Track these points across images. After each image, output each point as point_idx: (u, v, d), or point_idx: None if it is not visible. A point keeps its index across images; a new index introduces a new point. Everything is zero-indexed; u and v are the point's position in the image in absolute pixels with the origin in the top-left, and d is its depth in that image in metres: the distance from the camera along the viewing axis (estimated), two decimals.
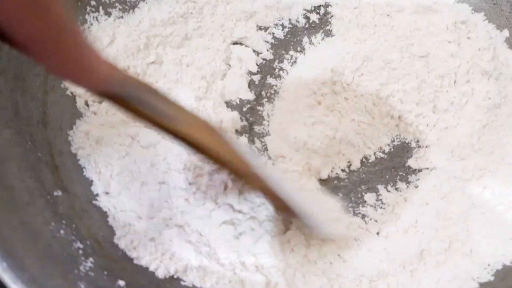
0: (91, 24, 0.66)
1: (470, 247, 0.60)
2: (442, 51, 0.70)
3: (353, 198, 0.66)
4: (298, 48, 0.74)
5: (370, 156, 0.68)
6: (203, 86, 0.68)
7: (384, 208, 0.65)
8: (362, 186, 0.66)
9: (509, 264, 0.59)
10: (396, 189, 0.66)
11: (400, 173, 0.67)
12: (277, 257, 0.57)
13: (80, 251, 0.52)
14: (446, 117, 0.69)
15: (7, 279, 0.44)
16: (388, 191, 0.66)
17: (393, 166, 0.68)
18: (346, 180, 0.67)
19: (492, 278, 0.58)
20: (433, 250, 0.60)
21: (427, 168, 0.67)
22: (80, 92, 0.63)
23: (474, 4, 0.72)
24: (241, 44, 0.73)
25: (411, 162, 0.68)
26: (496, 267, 0.59)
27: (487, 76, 0.68)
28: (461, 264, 0.59)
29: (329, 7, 0.75)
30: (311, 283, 0.57)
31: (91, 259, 0.52)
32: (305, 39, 0.74)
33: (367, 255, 0.60)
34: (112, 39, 0.66)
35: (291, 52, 0.73)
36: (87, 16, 0.66)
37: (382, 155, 0.68)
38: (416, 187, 0.66)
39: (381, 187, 0.66)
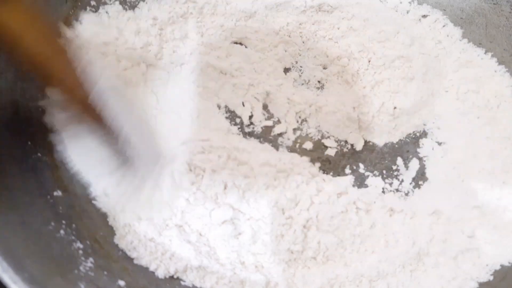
0: (91, 24, 0.66)
1: (470, 247, 0.60)
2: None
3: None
4: None
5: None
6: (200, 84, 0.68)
7: (384, 209, 0.65)
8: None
9: (508, 264, 0.59)
10: (397, 190, 0.67)
11: (401, 173, 0.68)
12: (277, 256, 0.57)
13: (80, 251, 0.52)
14: (446, 117, 0.69)
15: (7, 279, 0.43)
16: (389, 191, 0.66)
17: (392, 166, 0.68)
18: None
19: (491, 278, 0.58)
20: (433, 250, 0.60)
21: (428, 168, 0.67)
22: None
23: (474, 4, 0.72)
24: (241, 44, 0.73)
25: (413, 162, 0.68)
26: (495, 267, 0.59)
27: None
28: (461, 264, 0.59)
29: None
30: (311, 283, 0.57)
31: (91, 259, 0.52)
32: None
33: (367, 255, 0.60)
34: (112, 39, 0.66)
35: None
36: (87, 16, 0.66)
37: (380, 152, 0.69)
38: (417, 187, 0.66)
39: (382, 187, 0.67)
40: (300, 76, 0.72)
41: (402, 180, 0.67)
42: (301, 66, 0.73)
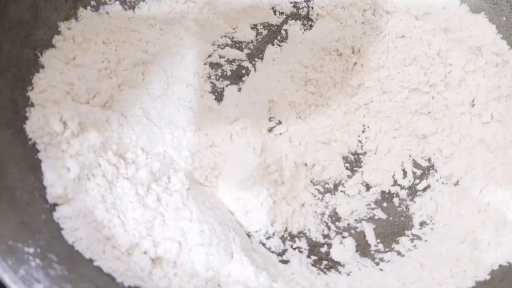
0: (92, 23, 0.66)
1: (470, 247, 0.60)
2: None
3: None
4: None
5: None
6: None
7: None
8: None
9: (507, 264, 0.59)
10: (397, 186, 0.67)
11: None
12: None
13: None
14: (446, 116, 0.69)
15: (7, 279, 0.44)
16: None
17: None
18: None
19: (490, 278, 0.58)
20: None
21: (430, 169, 0.68)
22: None
23: (474, 4, 0.72)
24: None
25: (418, 159, 0.68)
26: (494, 267, 0.59)
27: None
28: (461, 264, 0.59)
29: None
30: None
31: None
32: None
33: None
34: (112, 38, 0.66)
35: None
36: (87, 16, 0.66)
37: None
38: (417, 185, 0.67)
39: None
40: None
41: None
42: None
